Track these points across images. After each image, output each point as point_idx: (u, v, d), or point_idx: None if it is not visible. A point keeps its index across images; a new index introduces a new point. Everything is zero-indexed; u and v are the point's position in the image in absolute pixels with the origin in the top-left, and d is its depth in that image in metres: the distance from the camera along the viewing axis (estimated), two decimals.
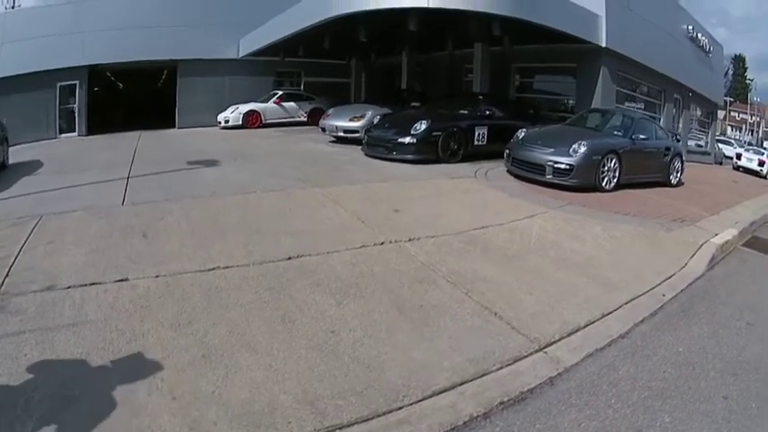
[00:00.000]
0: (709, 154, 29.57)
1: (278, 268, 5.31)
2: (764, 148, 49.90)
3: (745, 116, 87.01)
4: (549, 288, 5.61)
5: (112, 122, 23.49)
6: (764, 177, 27.90)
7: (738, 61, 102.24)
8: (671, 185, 13.32)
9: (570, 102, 18.92)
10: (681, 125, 24.49)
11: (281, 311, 4.47)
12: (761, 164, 28.90)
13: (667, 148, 13.30)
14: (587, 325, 4.93)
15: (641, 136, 12.20)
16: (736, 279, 7.89)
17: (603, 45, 16.79)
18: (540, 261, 6.39)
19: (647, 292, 6.10)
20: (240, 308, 4.48)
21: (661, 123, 21.44)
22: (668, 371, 4.64)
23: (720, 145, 36.03)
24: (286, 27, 19.42)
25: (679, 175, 13.79)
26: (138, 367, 3.61)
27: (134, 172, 10.47)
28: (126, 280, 4.88)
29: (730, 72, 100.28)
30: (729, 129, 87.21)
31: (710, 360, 4.99)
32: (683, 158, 14.24)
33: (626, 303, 5.60)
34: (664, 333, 5.35)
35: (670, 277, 6.75)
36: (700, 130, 29.68)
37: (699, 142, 29.18)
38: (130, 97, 33.29)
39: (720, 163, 31.64)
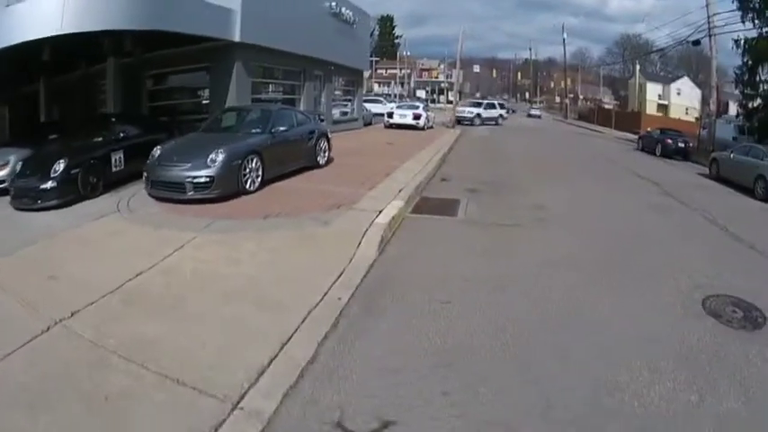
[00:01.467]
0: (357, 119, 30.92)
1: None
2: (418, 98, 54.78)
3: (394, 71, 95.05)
4: (219, 331, 5.12)
5: None
6: (422, 129, 30.45)
7: (386, 21, 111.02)
8: (320, 167, 13.84)
9: (207, 102, 18.71)
10: (324, 100, 25.52)
11: None
12: (416, 117, 31.12)
13: (311, 132, 13.72)
14: (271, 361, 4.57)
15: (281, 128, 12.29)
16: (413, 255, 7.80)
17: (237, 40, 16.85)
18: (201, 301, 5.80)
19: (321, 301, 5.75)
20: None
21: (302, 103, 22.44)
22: (373, 383, 4.40)
23: (368, 105, 37.36)
24: None
25: (327, 153, 14.37)
26: None
27: None
28: None
29: (376, 32, 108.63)
30: (377, 86, 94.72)
31: (415, 357, 4.84)
32: (329, 136, 14.83)
33: (302, 323, 5.24)
34: (354, 342, 5.05)
35: (340, 276, 6.46)
36: (345, 99, 30.65)
37: (345, 109, 30.12)
38: None
39: (370, 123, 33.30)
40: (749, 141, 23.98)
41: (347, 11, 26.45)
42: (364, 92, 38.38)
